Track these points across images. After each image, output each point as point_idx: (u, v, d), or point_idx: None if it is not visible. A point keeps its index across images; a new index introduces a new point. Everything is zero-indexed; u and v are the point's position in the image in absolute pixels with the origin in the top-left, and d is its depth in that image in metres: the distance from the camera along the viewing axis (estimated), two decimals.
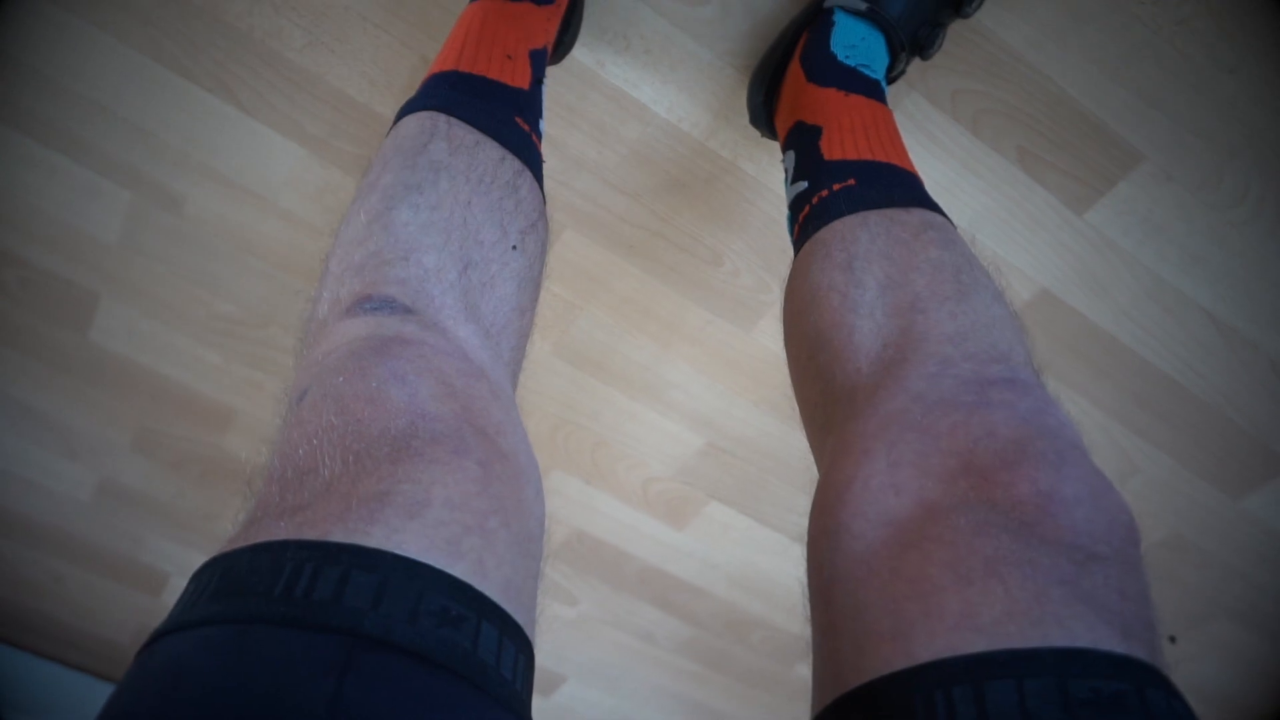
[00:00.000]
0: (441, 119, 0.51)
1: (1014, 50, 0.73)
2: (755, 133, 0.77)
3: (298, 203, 0.86)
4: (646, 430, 1.02)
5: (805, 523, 1.10)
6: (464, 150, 0.50)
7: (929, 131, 0.78)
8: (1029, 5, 0.71)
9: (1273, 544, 1.07)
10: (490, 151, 0.51)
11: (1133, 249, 0.84)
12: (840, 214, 0.53)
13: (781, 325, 0.58)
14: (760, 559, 1.13)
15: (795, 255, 0.57)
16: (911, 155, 0.79)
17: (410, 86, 0.79)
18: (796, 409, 1.00)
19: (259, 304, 0.94)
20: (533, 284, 0.51)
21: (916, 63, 0.71)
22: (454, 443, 0.36)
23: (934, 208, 0.53)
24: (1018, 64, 0.74)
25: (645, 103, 0.78)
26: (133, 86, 0.79)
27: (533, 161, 0.54)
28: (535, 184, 0.53)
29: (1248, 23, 0.71)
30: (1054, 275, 0.86)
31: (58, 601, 1.31)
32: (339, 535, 0.31)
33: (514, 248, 0.49)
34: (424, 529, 0.32)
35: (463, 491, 0.35)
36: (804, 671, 1.22)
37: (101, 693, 1.34)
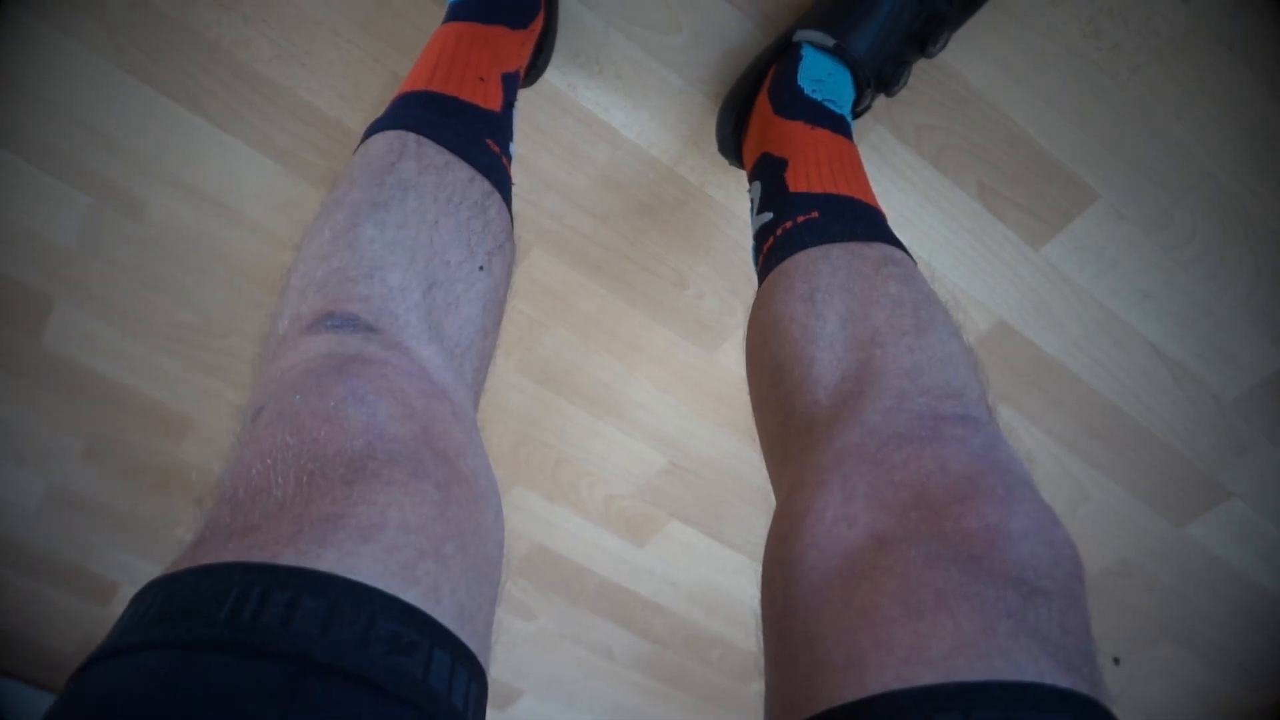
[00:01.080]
0: (411, 138, 0.50)
1: (977, 89, 0.75)
2: (723, 160, 0.78)
3: (264, 214, 0.86)
4: (609, 448, 1.02)
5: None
6: (433, 170, 0.49)
7: (893, 164, 0.80)
8: (992, 46, 0.73)
9: (1214, 570, 1.11)
10: (460, 172, 0.50)
11: (1086, 284, 0.86)
12: (803, 246, 0.54)
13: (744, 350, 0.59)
14: (720, 578, 1.14)
15: (759, 285, 0.58)
16: (875, 186, 0.81)
17: (381, 102, 0.79)
18: (756, 431, 1.01)
19: (220, 313, 0.93)
20: (497, 305, 0.51)
21: (882, 98, 0.73)
22: (412, 465, 0.36)
23: (895, 243, 0.54)
24: (980, 102, 0.76)
25: (616, 127, 0.79)
26: (98, 93, 0.78)
27: (502, 183, 0.54)
28: (504, 206, 0.53)
29: (1196, 71, 0.73)
30: (1010, 307, 0.88)
31: (0, 610, 1.27)
32: (290, 558, 0.31)
33: (480, 268, 0.49)
34: (377, 553, 0.32)
35: (419, 515, 0.34)
36: (761, 689, 1.23)
37: (41, 703, 1.30)
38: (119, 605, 1.25)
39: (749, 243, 0.85)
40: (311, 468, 0.34)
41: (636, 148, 0.80)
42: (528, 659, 1.27)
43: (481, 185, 0.51)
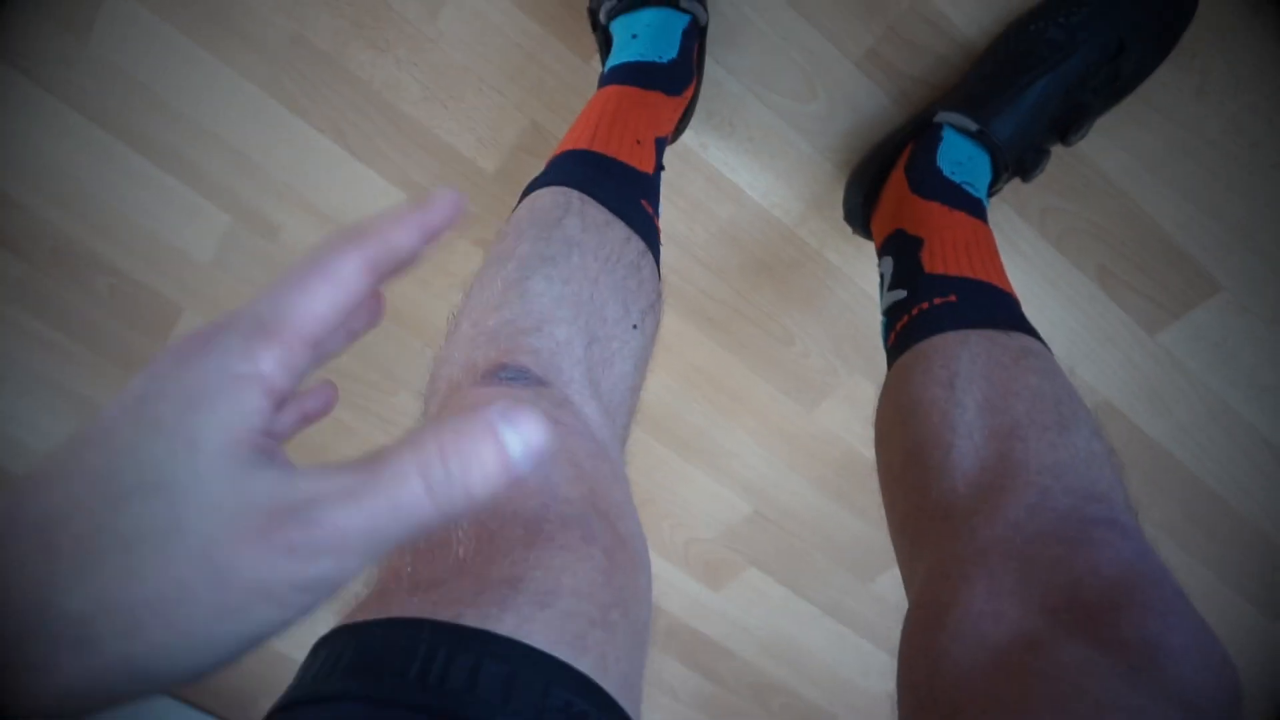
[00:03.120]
0: (575, 195, 0.52)
1: (1109, 176, 0.75)
2: (843, 225, 0.79)
3: None
4: (696, 493, 1.03)
5: (842, 598, 1.10)
6: (595, 228, 0.51)
7: (1014, 242, 0.80)
8: (1130, 135, 0.73)
9: None
10: (618, 231, 0.52)
11: (1200, 372, 0.85)
12: (942, 329, 0.54)
13: (873, 430, 0.59)
14: (792, 628, 1.14)
15: (890, 363, 0.58)
16: None
17: (518, 148, 0.82)
18: (847, 489, 1.01)
19: None
20: (645, 364, 0.53)
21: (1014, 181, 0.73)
22: (582, 528, 0.37)
23: (1033, 333, 0.54)
24: (1110, 189, 0.76)
25: (741, 186, 0.81)
26: (248, 119, 0.82)
27: (654, 244, 0.55)
28: (655, 266, 0.54)
29: None
30: (1118, 389, 0.88)
31: None
32: (472, 619, 0.32)
33: (634, 327, 0.50)
34: (553, 620, 0.33)
35: (589, 581, 0.35)
36: None
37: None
38: None
39: (860, 307, 0.86)
40: (491, 526, 0.36)
41: (760, 208, 0.82)
42: None
43: (637, 245, 0.53)
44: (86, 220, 0.91)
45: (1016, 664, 0.39)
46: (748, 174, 0.80)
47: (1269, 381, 0.85)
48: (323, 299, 0.24)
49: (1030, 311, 0.83)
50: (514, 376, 0.43)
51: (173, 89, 0.81)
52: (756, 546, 1.08)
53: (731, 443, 0.98)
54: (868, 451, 0.96)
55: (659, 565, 1.11)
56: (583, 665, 0.33)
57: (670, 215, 0.83)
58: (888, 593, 1.07)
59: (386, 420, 1.03)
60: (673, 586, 1.14)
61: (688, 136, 0.78)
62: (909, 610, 0.47)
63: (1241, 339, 0.83)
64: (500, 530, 0.36)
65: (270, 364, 0.23)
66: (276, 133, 0.83)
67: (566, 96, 0.78)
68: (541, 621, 0.33)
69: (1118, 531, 0.42)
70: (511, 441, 0.22)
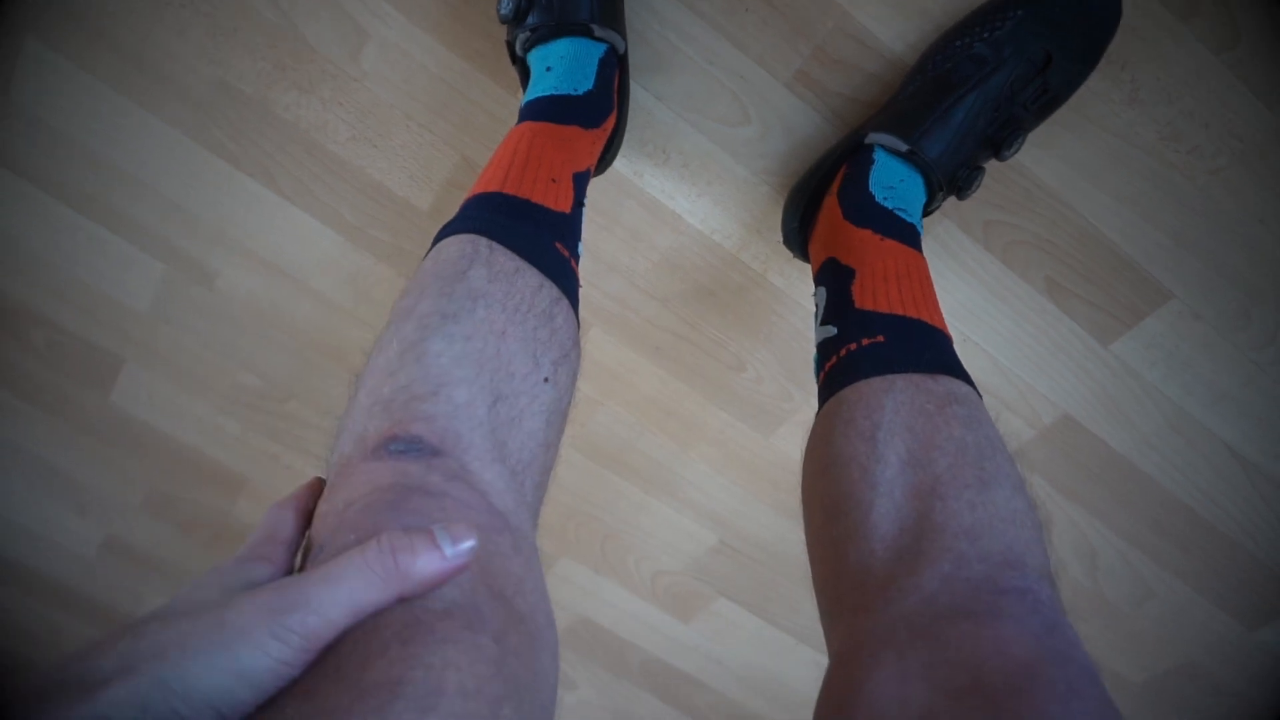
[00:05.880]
0: (483, 243, 0.50)
1: (1048, 187, 0.74)
2: (785, 249, 0.78)
3: (330, 285, 0.87)
4: (659, 525, 1.01)
5: (814, 624, 1.08)
6: (503, 277, 0.49)
7: (959, 258, 0.79)
8: (1065, 145, 0.72)
9: None
10: (529, 279, 0.50)
11: (1158, 381, 0.84)
12: (866, 374, 0.52)
13: (804, 444, 0.58)
14: (765, 658, 1.12)
15: (819, 406, 0.57)
16: (941, 279, 0.80)
17: (449, 184, 0.80)
18: None
19: (283, 379, 0.95)
20: (560, 417, 0.51)
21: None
22: (468, 615, 0.34)
23: (961, 374, 0.53)
24: (1051, 199, 0.75)
25: (679, 213, 0.79)
26: (177, 167, 0.81)
27: (569, 288, 0.54)
28: (571, 312, 0.52)
29: (1278, 173, 0.71)
30: (1077, 402, 0.86)
31: (53, 652, 1.29)
32: None
33: (545, 380, 0.48)
34: None
35: (476, 675, 0.33)
36: None
37: None
38: None
39: (809, 330, 0.85)
40: (367, 624, 0.33)
41: (699, 234, 0.80)
42: None
43: (550, 292, 0.51)
44: (18, 273, 0.89)
45: None
46: (685, 201, 0.79)
47: (1227, 388, 0.83)
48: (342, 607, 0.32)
49: (980, 326, 0.82)
50: (404, 449, 0.41)
51: (98, 139, 0.80)
52: (724, 576, 1.05)
53: (691, 473, 0.97)
54: None
55: (627, 601, 1.09)
56: None
57: (610, 245, 0.81)
58: None
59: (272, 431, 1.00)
60: (643, 622, 1.11)
61: (621, 165, 0.77)
62: (825, 679, 0.45)
63: (1196, 346, 0.81)
64: (375, 626, 0.33)
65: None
66: (206, 179, 0.82)
67: (496, 130, 0.76)
68: None
69: (1029, 603, 0.41)
70: (446, 544, 0.33)
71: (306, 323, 0.90)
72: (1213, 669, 1.05)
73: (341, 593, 0.31)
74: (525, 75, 0.66)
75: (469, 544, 0.33)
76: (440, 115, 0.77)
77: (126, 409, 0.99)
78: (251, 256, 0.86)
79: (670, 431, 0.94)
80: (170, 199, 0.83)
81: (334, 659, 0.33)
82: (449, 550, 0.33)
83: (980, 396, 0.52)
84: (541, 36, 0.62)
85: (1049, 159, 0.73)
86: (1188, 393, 0.84)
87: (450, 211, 0.82)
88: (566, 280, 0.53)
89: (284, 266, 0.87)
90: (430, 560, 0.33)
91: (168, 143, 0.79)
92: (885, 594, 0.43)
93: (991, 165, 0.72)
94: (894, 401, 0.50)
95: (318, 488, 0.41)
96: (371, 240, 0.84)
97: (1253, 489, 0.90)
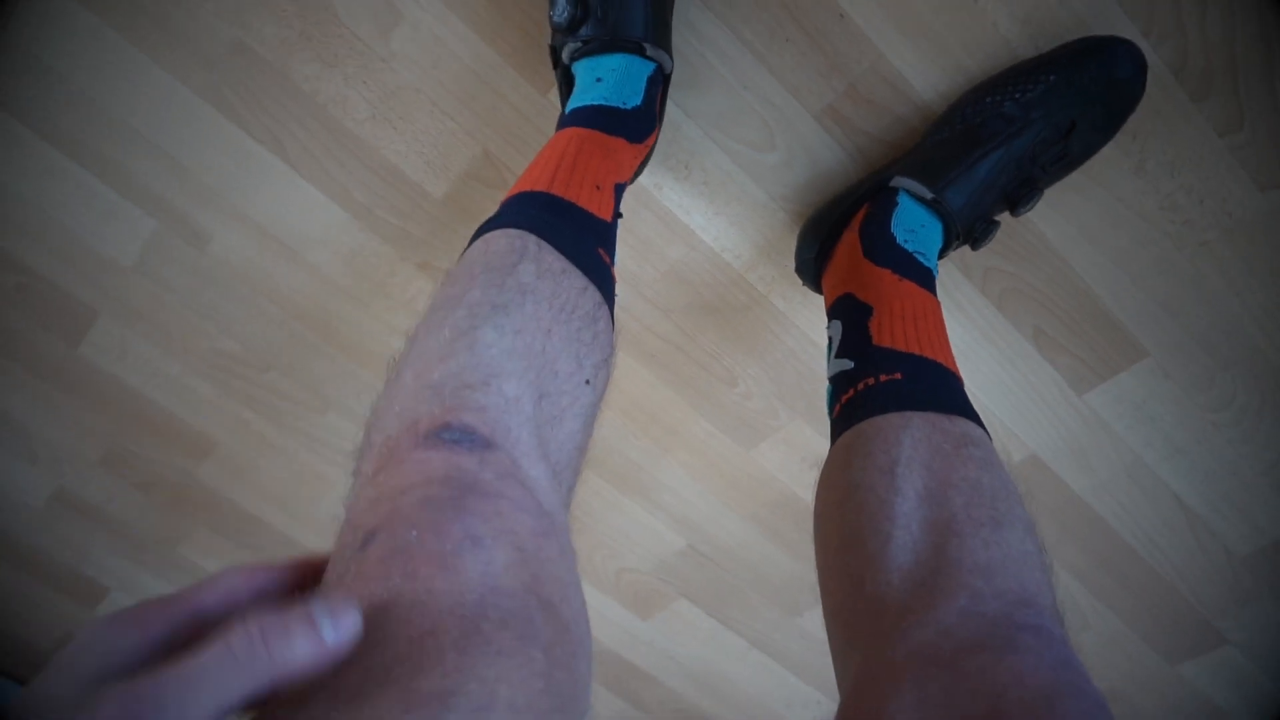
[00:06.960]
0: (532, 240, 0.49)
1: (1050, 243, 0.77)
2: (793, 274, 0.79)
3: (327, 260, 0.86)
4: (630, 524, 1.03)
5: (770, 631, 1.11)
6: (550, 276, 0.48)
7: (956, 299, 0.81)
8: (1072, 205, 0.75)
9: (1201, 708, 1.13)
10: (575, 280, 0.50)
11: (1123, 432, 0.88)
12: (884, 409, 0.54)
13: (810, 473, 0.59)
14: (718, 659, 1.15)
15: (834, 435, 0.58)
16: None
17: (468, 175, 0.79)
18: (781, 527, 1.02)
19: (265, 348, 0.93)
20: (593, 422, 0.50)
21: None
22: (521, 627, 0.34)
23: (974, 417, 0.55)
24: (1052, 255, 0.78)
25: (694, 228, 0.80)
26: (181, 123, 0.78)
27: (609, 295, 0.53)
28: (610, 318, 0.52)
29: (1262, 255, 0.76)
30: (1045, 444, 0.90)
31: None
32: None
33: (587, 382, 0.48)
34: None
35: (526, 690, 0.33)
36: None
37: (11, 693, 1.27)
38: (107, 608, 1.23)
39: (805, 354, 0.87)
40: (424, 626, 0.33)
41: (711, 250, 0.81)
42: None
43: (594, 296, 0.50)
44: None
45: None
46: (701, 217, 0.79)
47: (1183, 444, 0.88)
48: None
49: (968, 367, 0.86)
50: (458, 438, 0.40)
51: (99, 85, 0.76)
52: (688, 579, 1.07)
53: (668, 477, 0.98)
54: (803, 493, 0.97)
55: (589, 593, 1.10)
56: None
57: (621, 252, 0.82)
58: (814, 628, 1.09)
59: (315, 439, 0.99)
60: (601, 615, 1.13)
61: (643, 176, 0.77)
62: (841, 706, 0.47)
63: (1162, 403, 0.86)
64: (432, 631, 0.33)
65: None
66: (211, 140, 0.79)
67: (522, 128, 0.76)
68: None
69: (1044, 639, 0.43)
70: (326, 628, 0.30)
71: (298, 295, 0.88)
72: (1134, 697, 1.12)
73: (204, 695, 0.28)
74: (565, 82, 0.66)
75: (351, 625, 0.31)
76: (466, 105, 0.76)
77: (94, 361, 0.96)
78: (248, 222, 0.84)
79: (653, 436, 0.95)
80: (171, 156, 0.80)
81: (382, 658, 0.32)
82: (329, 635, 0.30)
83: (991, 440, 0.54)
84: (592, 50, 0.62)
85: (1055, 216, 0.76)
86: (1148, 445, 0.89)
87: (466, 203, 0.81)
88: (607, 286, 0.53)
89: (282, 236, 0.85)
90: (307, 646, 0.30)
91: (175, 98, 0.77)
92: (902, 624, 0.45)
93: (1002, 217, 0.75)
94: (911, 438, 0.51)
95: (301, 571, 0.36)
96: (377, 220, 0.83)
97: (1193, 538, 0.96)
